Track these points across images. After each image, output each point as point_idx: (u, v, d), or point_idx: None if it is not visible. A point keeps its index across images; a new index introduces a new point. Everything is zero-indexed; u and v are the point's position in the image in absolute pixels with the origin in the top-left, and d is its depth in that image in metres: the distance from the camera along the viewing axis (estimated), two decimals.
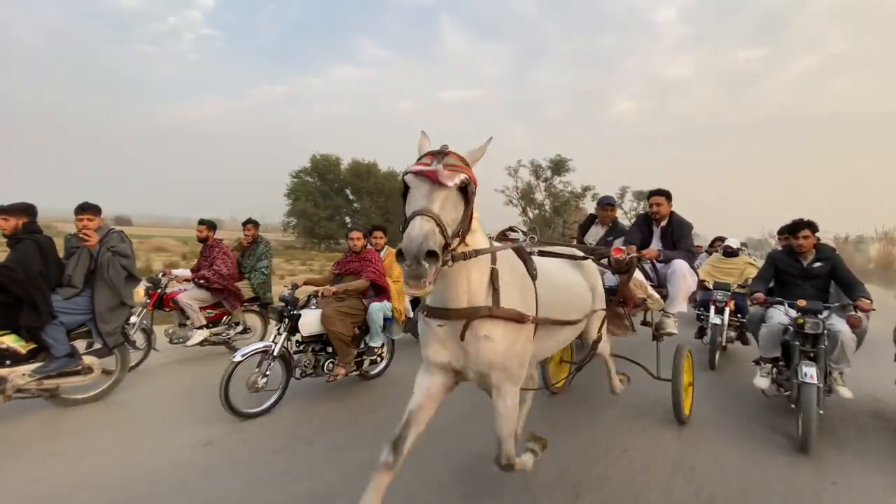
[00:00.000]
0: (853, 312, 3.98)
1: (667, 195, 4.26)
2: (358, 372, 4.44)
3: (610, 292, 3.54)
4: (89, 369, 3.85)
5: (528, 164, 32.39)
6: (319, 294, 4.12)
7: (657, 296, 3.76)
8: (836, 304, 3.98)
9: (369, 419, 3.78)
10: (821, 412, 3.54)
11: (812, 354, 3.72)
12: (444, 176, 1.68)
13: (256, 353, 3.76)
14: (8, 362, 3.49)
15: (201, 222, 5.57)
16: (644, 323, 4.30)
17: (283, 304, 3.98)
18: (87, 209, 3.97)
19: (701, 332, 6.57)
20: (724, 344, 6.04)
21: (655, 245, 4.21)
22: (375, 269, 4.38)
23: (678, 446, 3.48)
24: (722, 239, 7.27)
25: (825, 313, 3.85)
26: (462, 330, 1.98)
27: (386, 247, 4.99)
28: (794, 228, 4.30)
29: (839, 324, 3.84)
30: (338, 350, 4.08)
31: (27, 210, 3.73)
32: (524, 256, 2.28)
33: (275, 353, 3.78)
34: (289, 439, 3.39)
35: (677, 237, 4.13)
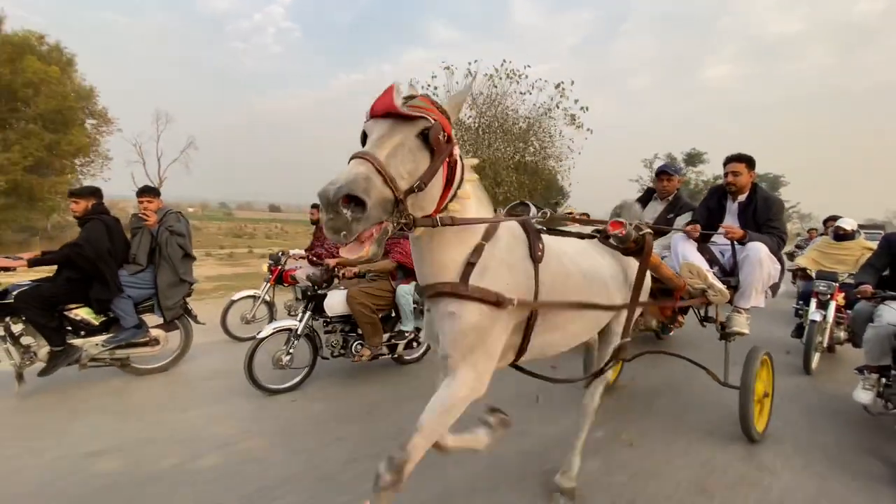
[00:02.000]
0: None
1: (748, 161, 3.42)
2: (393, 355, 4.34)
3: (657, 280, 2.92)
4: (156, 341, 4.17)
5: (664, 156, 32.42)
6: (341, 274, 4.07)
7: (721, 286, 3.02)
8: None
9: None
10: None
11: None
12: (401, 103, 1.41)
13: (282, 330, 3.82)
14: (83, 333, 3.90)
15: (314, 206, 5.94)
16: (706, 318, 3.63)
17: (309, 283, 4.00)
18: (147, 192, 4.32)
19: (799, 331, 5.45)
20: (827, 345, 5.03)
21: (729, 221, 3.43)
22: (404, 250, 4.22)
23: (743, 468, 2.86)
24: (835, 219, 6.05)
25: None
26: (432, 304, 1.73)
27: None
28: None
29: None
30: (363, 331, 4.01)
31: (95, 193, 4.12)
32: (531, 235, 1.91)
33: (299, 332, 3.81)
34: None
35: (764, 217, 3.30)
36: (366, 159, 1.32)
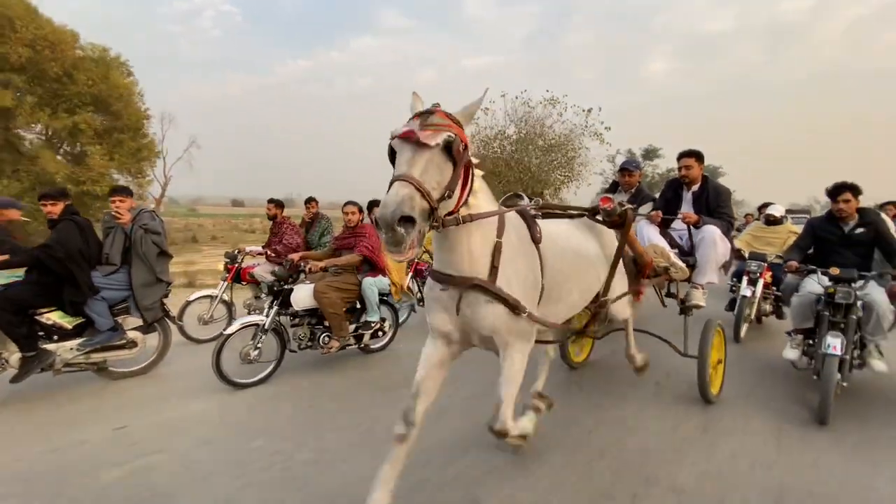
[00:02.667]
0: (894, 282, 3.56)
1: (697, 156, 3.87)
2: (359, 345, 4.44)
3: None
4: (133, 343, 4.03)
5: (625, 152, 33.77)
6: (307, 269, 4.11)
7: (682, 264, 3.46)
8: (874, 273, 3.61)
9: (373, 391, 3.79)
10: (844, 384, 3.37)
11: (842, 325, 3.43)
12: (423, 136, 1.62)
13: (249, 326, 3.84)
14: (55, 337, 3.72)
15: (270, 201, 5.88)
16: (669, 295, 4.01)
17: (275, 278, 4.03)
18: (119, 191, 4.17)
19: (732, 305, 6.05)
20: (755, 317, 5.64)
21: (686, 206, 3.87)
22: (369, 244, 4.32)
23: (700, 423, 3.27)
24: (768, 205, 6.66)
25: (860, 282, 3.52)
26: (458, 297, 1.96)
27: None
28: (835, 192, 3.89)
29: (876, 293, 3.53)
30: (331, 324, 4.10)
31: (65, 193, 3.98)
32: (528, 220, 2.22)
33: (266, 327, 3.84)
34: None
35: (714, 204, 3.74)
36: (407, 181, 1.56)
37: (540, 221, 2.31)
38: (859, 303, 3.47)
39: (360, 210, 4.58)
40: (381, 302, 4.44)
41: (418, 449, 2.17)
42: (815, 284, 3.69)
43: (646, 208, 4.02)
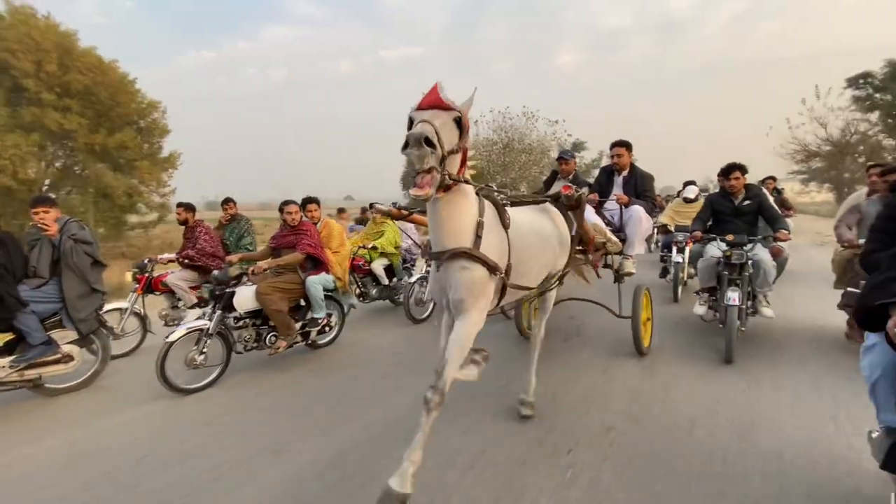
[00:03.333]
0: (775, 243, 4.15)
1: (627, 146, 4.57)
2: (306, 342, 4.53)
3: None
4: (69, 357, 3.86)
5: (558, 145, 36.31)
6: (250, 272, 4.15)
7: (616, 239, 4.05)
8: (760, 237, 4.23)
9: (322, 383, 3.93)
10: (743, 329, 4.09)
11: (738, 281, 4.07)
12: (444, 98, 2.06)
13: (192, 331, 3.84)
14: None
15: (179, 205, 5.61)
16: (605, 266, 4.54)
17: (215, 282, 4.03)
18: (42, 202, 3.96)
19: (664, 272, 7.30)
20: (685, 280, 6.56)
21: (617, 188, 4.52)
22: (311, 241, 4.40)
23: (637, 372, 3.88)
24: (691, 182, 7.82)
25: (749, 245, 4.13)
26: (446, 265, 2.33)
27: (323, 218, 5.01)
28: (727, 171, 4.55)
29: (762, 253, 4.18)
30: (277, 324, 4.16)
31: None
32: (499, 208, 2.59)
33: (210, 331, 3.85)
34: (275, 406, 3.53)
35: (641, 187, 4.43)
36: (429, 123, 1.97)
37: (508, 209, 2.70)
38: (750, 262, 4.09)
39: (300, 208, 4.64)
40: (327, 297, 4.54)
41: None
42: (715, 249, 4.29)
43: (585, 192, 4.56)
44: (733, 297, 3.92)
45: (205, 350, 3.85)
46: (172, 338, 3.73)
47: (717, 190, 5.59)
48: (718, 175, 4.69)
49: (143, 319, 5.10)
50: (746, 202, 4.45)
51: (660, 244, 7.96)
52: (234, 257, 4.32)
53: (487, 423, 3.07)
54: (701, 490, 2.29)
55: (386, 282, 6.18)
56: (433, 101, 2.07)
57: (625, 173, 4.51)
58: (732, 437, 2.79)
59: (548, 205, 3.28)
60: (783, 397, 3.30)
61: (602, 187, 4.60)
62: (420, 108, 2.09)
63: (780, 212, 4.81)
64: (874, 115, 24.01)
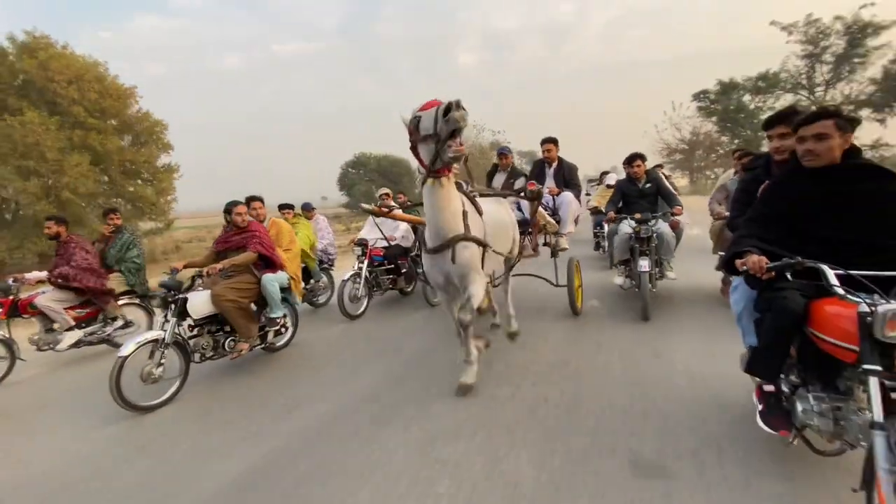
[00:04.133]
0: (673, 218, 5.04)
1: (555, 141, 5.44)
2: (263, 345, 4.44)
3: (521, 223, 4.72)
4: None
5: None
6: (205, 273, 4.00)
7: (553, 221, 4.85)
8: (660, 213, 5.08)
9: (284, 390, 3.87)
10: (654, 290, 4.92)
11: (647, 251, 4.85)
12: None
13: (145, 343, 3.61)
14: None
15: (49, 218, 5.10)
16: (545, 244, 5.27)
17: (165, 289, 3.82)
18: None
19: (597, 246, 8.95)
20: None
21: (549, 183, 5.37)
22: (262, 241, 4.32)
23: (574, 326, 4.78)
24: (607, 173, 9.94)
25: (653, 221, 4.95)
26: (451, 252, 3.06)
27: (268, 218, 4.93)
28: (630, 160, 5.41)
29: (664, 227, 4.99)
30: (237, 326, 4.05)
31: None
32: (473, 200, 3.37)
33: (166, 341, 3.66)
34: (200, 421, 3.39)
35: (568, 177, 5.36)
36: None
37: (479, 199, 3.45)
38: (654, 235, 4.91)
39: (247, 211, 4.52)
40: (280, 298, 4.50)
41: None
42: (626, 227, 5.03)
43: (520, 182, 5.18)
44: (644, 264, 4.70)
45: (162, 362, 3.64)
46: (125, 352, 3.48)
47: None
48: (623, 163, 5.52)
49: (9, 346, 4.50)
50: (648, 185, 5.33)
51: (593, 223, 9.51)
52: (178, 264, 4.10)
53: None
54: (619, 407, 3.00)
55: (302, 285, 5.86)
56: (435, 103, 2.74)
57: (555, 165, 5.34)
58: (646, 370, 3.56)
59: (499, 198, 4.14)
60: (682, 339, 4.11)
61: (536, 177, 5.34)
62: (425, 108, 2.77)
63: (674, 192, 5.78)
64: (712, 121, 32.05)
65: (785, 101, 26.20)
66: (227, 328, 4.16)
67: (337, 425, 3.08)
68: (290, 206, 6.48)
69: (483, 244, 3.23)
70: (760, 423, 2.18)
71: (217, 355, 4.09)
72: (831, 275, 1.85)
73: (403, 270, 6.50)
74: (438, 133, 2.68)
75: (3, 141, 12.88)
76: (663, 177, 6.57)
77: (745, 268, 2.02)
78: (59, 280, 4.77)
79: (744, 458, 2.37)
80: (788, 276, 1.99)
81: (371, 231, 6.50)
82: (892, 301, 1.64)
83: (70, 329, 4.80)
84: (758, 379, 2.30)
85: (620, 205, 5.40)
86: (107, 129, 16.42)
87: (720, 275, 5.32)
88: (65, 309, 4.80)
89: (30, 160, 13.42)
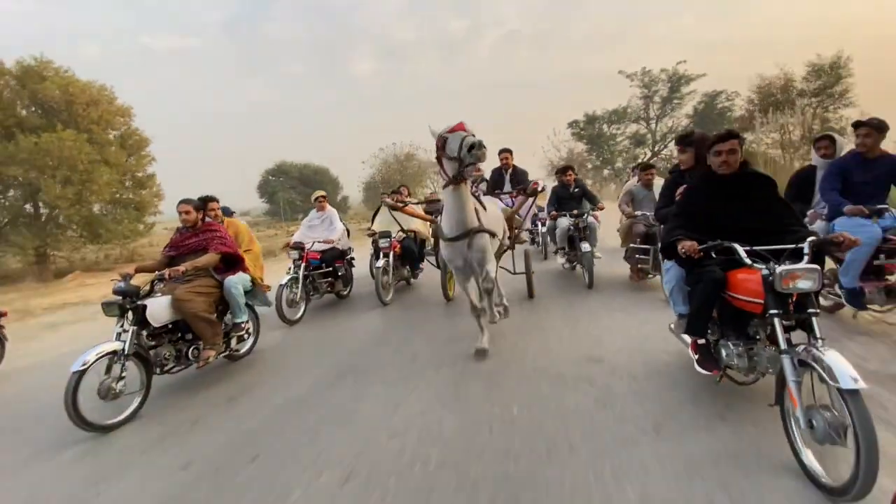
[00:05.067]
0: (595, 212, 6.34)
1: (510, 151, 6.28)
2: (226, 353, 4.13)
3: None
4: None
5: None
6: (167, 276, 3.65)
7: (518, 217, 5.53)
8: (587, 209, 6.21)
9: (252, 396, 3.68)
10: (596, 262, 6.07)
11: (583, 238, 5.99)
12: (466, 125, 3.43)
13: (102, 356, 3.21)
14: None
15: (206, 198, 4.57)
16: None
17: (120, 296, 3.42)
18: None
19: (532, 241, 10.01)
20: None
21: (507, 186, 6.14)
22: (224, 240, 4.06)
23: (530, 305, 5.58)
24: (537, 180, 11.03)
25: (585, 216, 6.11)
26: (469, 240, 3.74)
27: (224, 219, 4.63)
28: (563, 171, 6.64)
29: (591, 220, 6.14)
30: (201, 332, 3.74)
31: None
32: (479, 200, 4.17)
33: (126, 352, 3.29)
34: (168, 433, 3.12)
35: (522, 180, 6.11)
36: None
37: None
38: (587, 226, 6.04)
39: (197, 209, 4.11)
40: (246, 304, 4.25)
41: None
42: (565, 221, 6.11)
43: (483, 186, 6.06)
44: (586, 246, 5.92)
45: (123, 375, 3.27)
46: (79, 366, 3.07)
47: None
48: (556, 173, 6.73)
49: None
50: (577, 189, 6.52)
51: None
52: (130, 268, 3.68)
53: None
54: (571, 365, 3.58)
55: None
56: (462, 126, 3.40)
57: (510, 171, 6.20)
58: (590, 335, 4.29)
59: (491, 196, 5.07)
60: (614, 308, 5.07)
61: (496, 183, 6.26)
62: (454, 130, 3.39)
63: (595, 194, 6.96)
64: (583, 143, 38.32)
65: (632, 129, 35.30)
66: (188, 336, 3.84)
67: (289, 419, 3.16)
68: (215, 199, 5.71)
69: (493, 234, 3.98)
70: (697, 368, 2.76)
71: (180, 366, 3.75)
72: (742, 251, 2.39)
73: (340, 273, 6.46)
74: (462, 159, 3.33)
75: (44, 155, 15.23)
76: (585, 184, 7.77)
77: (683, 251, 2.54)
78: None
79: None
80: (713, 255, 2.56)
81: (309, 233, 6.34)
82: (783, 265, 2.18)
83: None
84: (690, 336, 2.90)
85: (557, 205, 6.46)
86: (115, 143, 18.45)
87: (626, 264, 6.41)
88: None
89: (65, 171, 15.68)
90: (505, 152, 6.27)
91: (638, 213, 5.66)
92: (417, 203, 6.53)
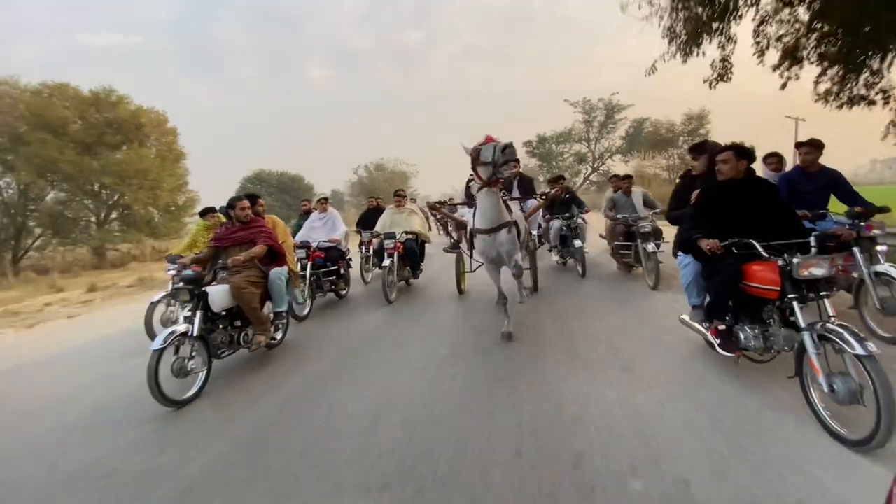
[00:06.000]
0: (583, 215, 7.24)
1: (518, 160, 6.76)
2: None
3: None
4: None
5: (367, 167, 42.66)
6: (230, 263, 3.92)
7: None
8: (577, 212, 7.03)
9: (290, 377, 4.02)
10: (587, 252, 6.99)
11: (577, 236, 6.82)
12: (494, 137, 4.13)
13: (175, 337, 3.45)
14: None
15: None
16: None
17: (185, 283, 3.67)
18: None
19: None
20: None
21: (515, 192, 6.31)
22: (269, 235, 4.37)
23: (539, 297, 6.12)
24: None
25: (576, 217, 6.95)
26: (501, 232, 4.29)
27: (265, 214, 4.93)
28: (556, 179, 7.58)
29: (581, 221, 7.05)
30: (254, 319, 4.04)
31: None
32: (505, 202, 4.65)
33: (195, 334, 3.55)
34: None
35: (529, 187, 6.52)
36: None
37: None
38: (575, 226, 6.89)
39: (251, 205, 4.53)
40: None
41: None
42: (558, 222, 6.99)
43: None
44: (578, 242, 6.94)
45: (193, 355, 3.54)
46: (158, 345, 3.34)
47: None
48: (549, 181, 7.53)
49: None
50: (567, 195, 7.35)
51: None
52: (186, 259, 3.91)
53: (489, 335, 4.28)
54: (569, 342, 4.21)
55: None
56: (491, 138, 4.08)
57: (518, 178, 6.58)
58: (590, 314, 5.11)
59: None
60: (617, 295, 5.84)
61: (507, 189, 6.59)
62: (485, 143, 4.05)
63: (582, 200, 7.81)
64: (535, 159, 43.06)
65: (577, 148, 41.06)
66: (237, 323, 4.11)
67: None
68: (213, 209, 6.05)
69: (519, 229, 4.55)
70: (719, 350, 3.05)
71: (231, 350, 4.02)
72: (759, 246, 2.74)
73: (342, 273, 6.79)
74: (496, 161, 3.91)
75: (128, 165, 19.48)
76: (575, 192, 8.55)
77: (708, 248, 2.87)
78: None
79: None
80: (734, 250, 2.86)
81: (312, 234, 6.65)
82: (797, 256, 2.54)
83: None
84: (712, 322, 3.21)
85: (550, 209, 7.34)
86: (169, 157, 22.09)
87: (612, 260, 7.30)
88: None
89: (141, 180, 19.86)
90: (515, 162, 6.88)
91: (619, 216, 6.53)
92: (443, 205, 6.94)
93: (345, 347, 4.58)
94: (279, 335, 4.67)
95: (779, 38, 7.90)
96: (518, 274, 4.56)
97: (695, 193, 3.51)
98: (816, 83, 8.24)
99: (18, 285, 13.00)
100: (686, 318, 3.67)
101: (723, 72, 8.08)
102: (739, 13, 7.47)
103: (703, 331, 3.35)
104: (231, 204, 4.35)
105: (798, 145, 4.52)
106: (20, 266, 17.68)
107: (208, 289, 3.81)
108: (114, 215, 21.23)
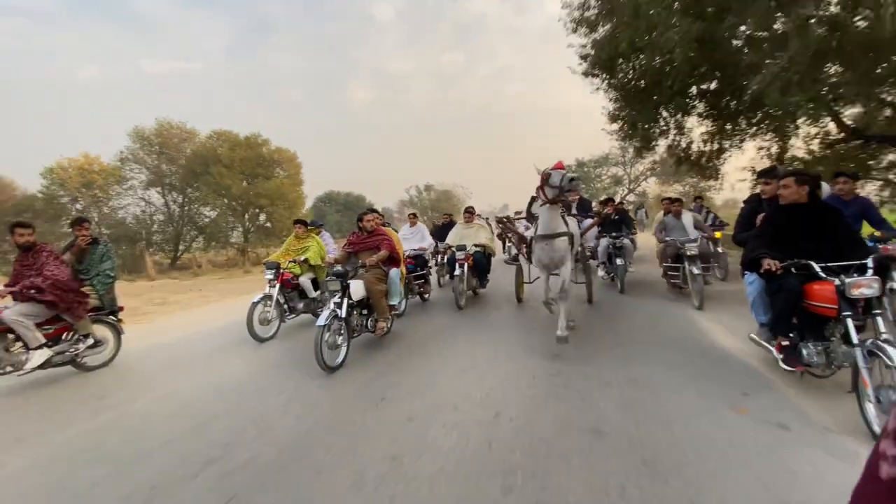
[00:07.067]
0: (632, 236, 8.10)
1: (579, 192, 7.74)
2: (373, 331, 5.27)
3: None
4: None
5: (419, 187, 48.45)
6: (367, 262, 5.04)
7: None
8: (624, 233, 7.77)
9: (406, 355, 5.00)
10: (630, 273, 8.06)
11: (620, 254, 7.53)
12: (562, 163, 4.82)
13: (332, 318, 4.48)
14: None
15: (20, 224, 4.57)
16: None
17: (336, 276, 4.74)
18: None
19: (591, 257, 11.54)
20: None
21: (574, 212, 6.95)
22: (391, 242, 5.41)
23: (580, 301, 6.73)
24: (519, 212, 12.26)
25: (622, 238, 7.69)
26: (556, 240, 4.90)
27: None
28: (606, 202, 8.33)
29: (627, 242, 7.77)
30: (379, 309, 5.06)
31: None
32: (564, 218, 5.16)
33: (343, 316, 4.60)
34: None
35: (587, 208, 7.93)
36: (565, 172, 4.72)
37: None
38: (623, 246, 7.62)
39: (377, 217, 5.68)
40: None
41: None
42: (605, 241, 7.77)
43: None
44: (619, 260, 7.65)
45: (342, 332, 4.59)
46: (323, 321, 4.36)
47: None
48: (600, 203, 8.35)
49: None
50: (616, 216, 8.10)
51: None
52: (331, 258, 5.02)
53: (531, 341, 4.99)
54: (596, 338, 5.09)
55: (313, 294, 6.45)
56: (560, 165, 4.71)
57: (577, 200, 7.54)
58: (627, 324, 5.63)
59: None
60: (653, 308, 6.45)
61: (568, 210, 7.25)
62: (555, 168, 4.70)
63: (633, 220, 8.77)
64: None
65: (614, 171, 42.15)
66: (363, 311, 5.18)
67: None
68: (304, 222, 6.98)
69: (572, 240, 5.10)
70: (783, 365, 3.12)
71: (360, 333, 5.08)
72: (817, 267, 2.92)
73: (427, 278, 7.87)
74: (563, 186, 4.60)
75: (274, 190, 25.69)
76: (627, 212, 9.25)
77: (768, 267, 2.99)
78: (31, 290, 4.32)
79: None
80: (793, 270, 3.02)
81: (403, 244, 7.57)
82: (851, 277, 2.72)
83: (38, 347, 4.31)
84: (775, 337, 3.29)
85: (601, 229, 8.07)
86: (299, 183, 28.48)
87: (663, 280, 8.04)
88: (35, 325, 4.35)
89: (283, 202, 26.20)
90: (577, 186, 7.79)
91: (668, 238, 6.94)
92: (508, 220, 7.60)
93: (435, 338, 5.49)
94: (391, 324, 5.75)
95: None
96: (564, 298, 4.77)
97: (760, 216, 3.73)
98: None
99: (183, 276, 18.21)
100: (755, 336, 3.74)
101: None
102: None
103: (770, 347, 3.41)
104: (360, 217, 5.47)
105: (836, 175, 4.83)
106: (176, 265, 24.48)
107: (350, 281, 4.89)
108: (251, 226, 27.20)
